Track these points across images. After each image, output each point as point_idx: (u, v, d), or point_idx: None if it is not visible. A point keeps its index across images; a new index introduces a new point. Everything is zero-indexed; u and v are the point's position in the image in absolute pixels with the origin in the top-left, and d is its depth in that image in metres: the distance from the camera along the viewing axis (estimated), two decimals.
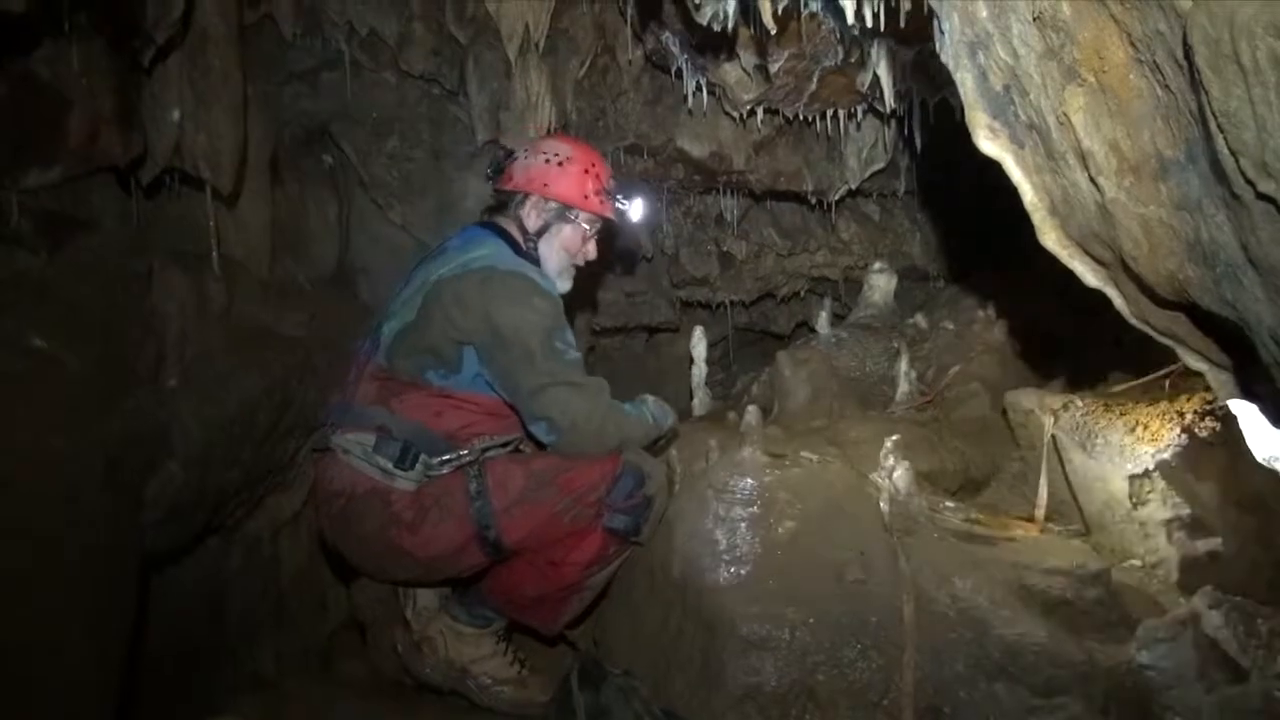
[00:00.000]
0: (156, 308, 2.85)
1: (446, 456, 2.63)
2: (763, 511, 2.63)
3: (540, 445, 2.72)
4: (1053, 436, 3.01)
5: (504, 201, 2.98)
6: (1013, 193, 1.94)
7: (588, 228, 2.92)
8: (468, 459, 2.64)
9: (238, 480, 3.14)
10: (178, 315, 2.93)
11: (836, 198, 4.98)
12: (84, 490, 2.35)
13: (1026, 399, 3.31)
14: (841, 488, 2.76)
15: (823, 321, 4.43)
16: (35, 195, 2.53)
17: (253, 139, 3.36)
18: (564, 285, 2.91)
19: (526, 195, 2.88)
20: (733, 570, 2.52)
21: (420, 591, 2.87)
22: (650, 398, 2.93)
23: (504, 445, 2.77)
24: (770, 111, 4.28)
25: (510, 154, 2.98)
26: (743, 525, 2.61)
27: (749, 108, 4.18)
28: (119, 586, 2.48)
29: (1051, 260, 1.96)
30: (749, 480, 2.70)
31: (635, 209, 3.16)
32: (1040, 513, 3.01)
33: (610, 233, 3.36)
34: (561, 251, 2.90)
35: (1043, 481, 3.04)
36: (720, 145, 4.59)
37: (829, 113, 4.30)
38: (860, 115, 4.41)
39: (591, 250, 2.97)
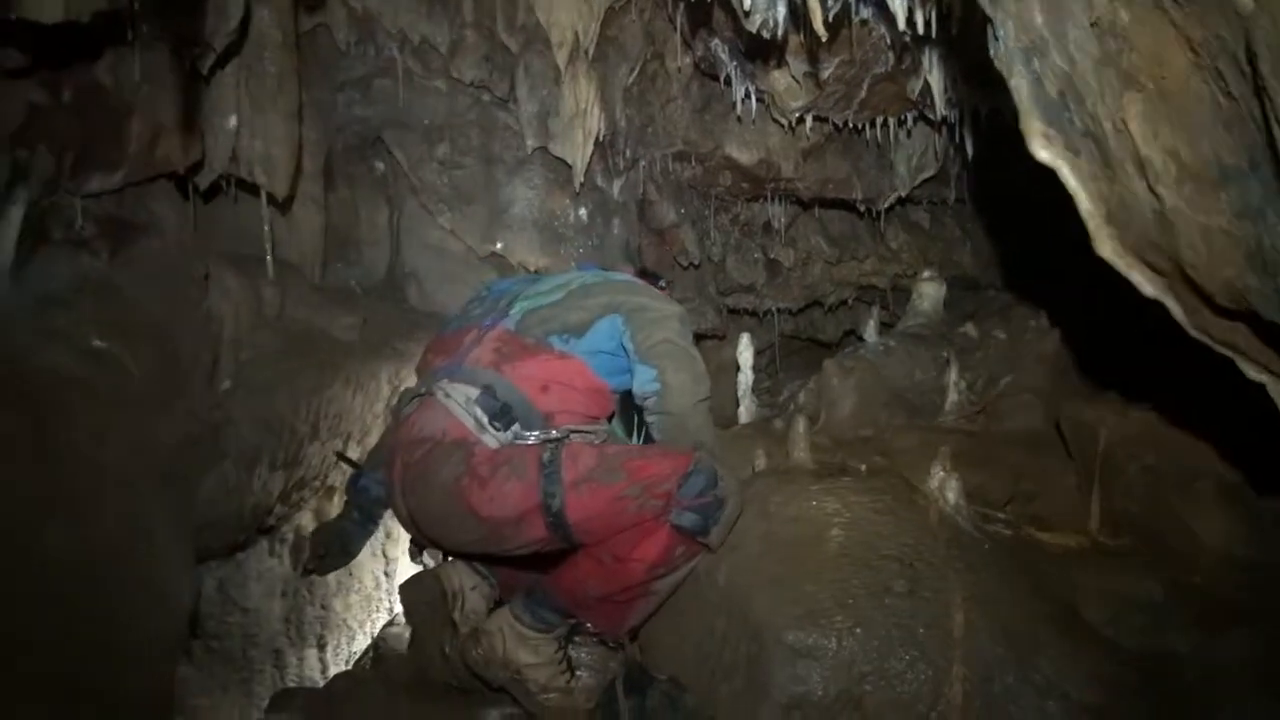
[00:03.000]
0: (212, 310, 2.90)
1: (537, 431, 2.67)
2: (810, 520, 2.61)
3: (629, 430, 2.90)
4: (1107, 448, 2.96)
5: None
6: (1067, 201, 1.92)
7: None
8: (554, 437, 2.67)
9: (289, 481, 3.18)
10: (232, 318, 2.98)
11: (886, 205, 4.95)
12: (141, 490, 2.39)
13: (1080, 410, 3.25)
14: (890, 498, 2.73)
15: (870, 330, 4.40)
16: (98, 199, 2.59)
17: (307, 145, 3.41)
18: None
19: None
20: (779, 579, 2.50)
21: (469, 594, 2.88)
22: None
23: (589, 433, 2.79)
24: (819, 119, 4.27)
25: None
26: (789, 533, 2.59)
27: (798, 115, 4.17)
28: (174, 585, 2.53)
29: (1107, 269, 1.93)
30: (796, 489, 2.68)
31: None
32: (1094, 525, 2.96)
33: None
34: None
35: (1095, 494, 2.98)
36: (768, 152, 4.58)
37: (879, 120, 4.28)
38: (910, 123, 4.38)
39: None
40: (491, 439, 2.63)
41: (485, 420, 2.64)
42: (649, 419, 2.82)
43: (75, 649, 2.11)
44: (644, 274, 3.24)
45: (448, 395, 2.70)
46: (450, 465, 2.62)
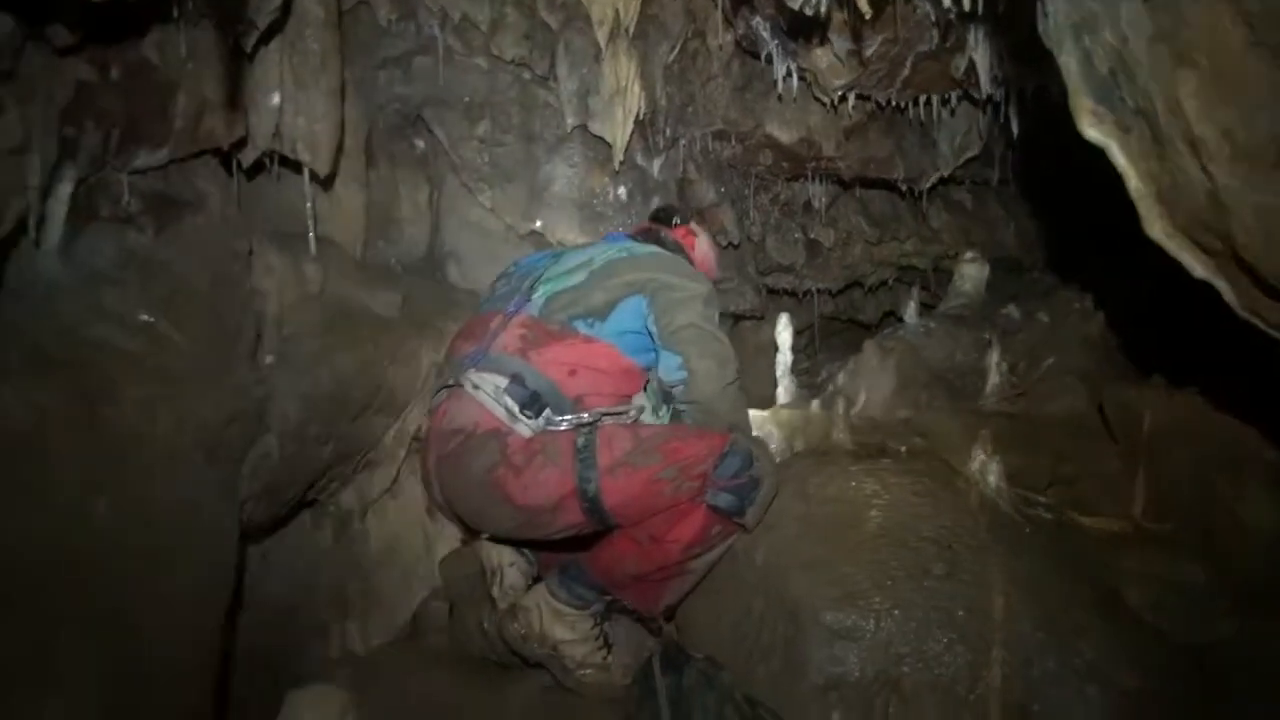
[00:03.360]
0: (256, 286, 2.93)
1: (569, 416, 2.68)
2: (848, 502, 2.60)
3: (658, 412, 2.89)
4: (1152, 432, 2.92)
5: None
6: (1115, 181, 1.89)
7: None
8: (586, 421, 2.68)
9: (330, 456, 3.22)
10: (276, 294, 3.01)
11: (928, 185, 4.89)
12: (188, 464, 2.43)
13: (1125, 392, 3.21)
14: (930, 480, 2.72)
15: (911, 311, 4.36)
16: (144, 176, 2.62)
17: (349, 123, 3.42)
18: None
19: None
20: (817, 558, 2.50)
21: (507, 570, 2.91)
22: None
23: (621, 413, 2.80)
24: (862, 97, 4.22)
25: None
26: (827, 514, 2.58)
27: (840, 94, 4.13)
28: (220, 558, 2.57)
29: (1155, 251, 1.90)
30: (834, 470, 2.68)
31: None
32: (1138, 510, 2.92)
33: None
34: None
35: (1140, 478, 2.95)
36: (809, 131, 4.54)
37: (922, 99, 4.23)
38: (954, 101, 4.32)
39: None
40: (524, 428, 2.64)
41: (516, 409, 2.64)
42: (678, 407, 2.83)
43: (125, 622, 2.16)
44: (663, 216, 3.30)
45: (476, 386, 2.70)
46: (485, 456, 2.63)
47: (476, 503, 2.75)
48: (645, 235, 3.23)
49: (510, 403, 2.65)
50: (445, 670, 2.89)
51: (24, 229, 2.22)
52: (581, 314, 2.79)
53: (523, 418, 2.64)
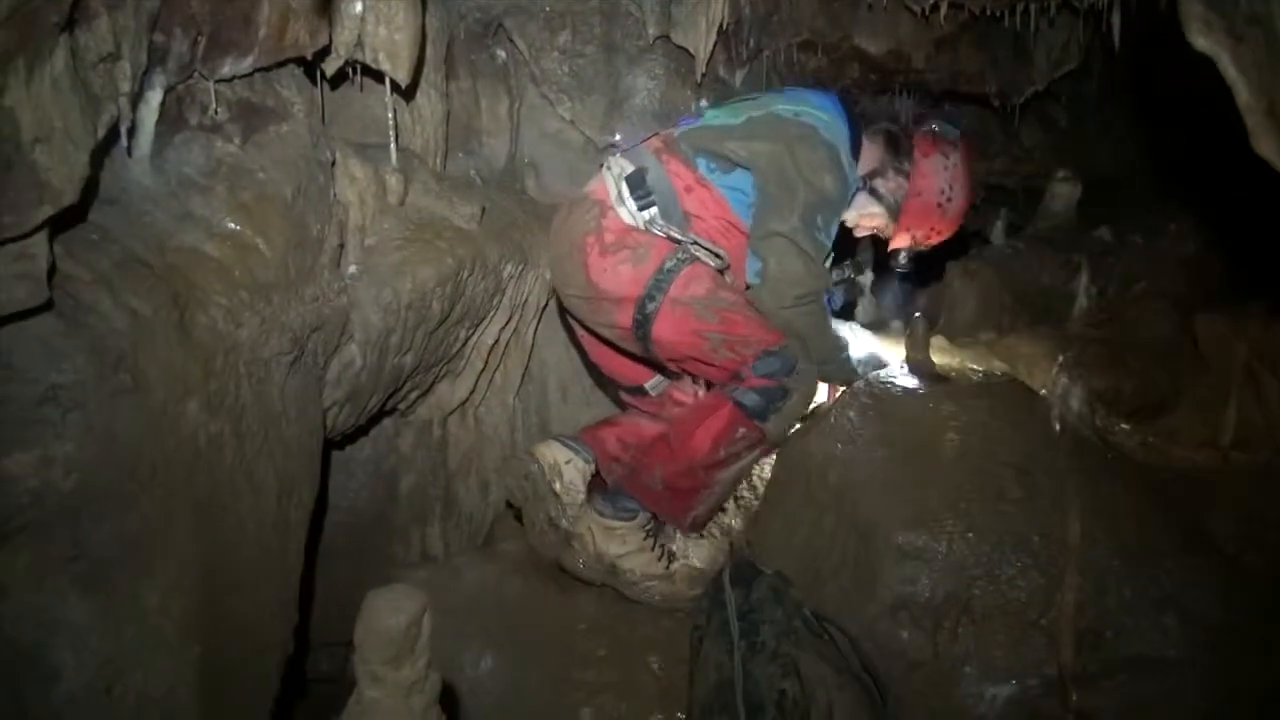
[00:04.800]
0: (339, 196, 2.96)
1: (676, 227, 2.87)
2: (925, 422, 2.58)
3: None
4: (1246, 360, 2.82)
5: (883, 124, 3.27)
6: (1222, 96, 1.79)
7: (876, 225, 3.21)
8: (685, 241, 2.86)
9: (411, 365, 3.27)
10: (358, 204, 3.03)
11: (1021, 100, 4.71)
12: (274, 369, 2.49)
13: (1219, 319, 3.10)
14: (1009, 402, 2.68)
15: (998, 231, 4.26)
16: (230, 84, 2.64)
17: (430, 32, 3.40)
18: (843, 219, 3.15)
19: (893, 159, 3.12)
20: (891, 479, 2.49)
21: (564, 468, 3.05)
22: (864, 355, 3.10)
23: (715, 255, 2.92)
24: (954, 6, 4.05)
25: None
26: (903, 435, 2.57)
27: (932, 2, 3.97)
28: (305, 460, 2.65)
29: (1262, 168, 1.81)
30: (912, 390, 2.65)
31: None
32: (1226, 441, 2.85)
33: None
34: (856, 212, 3.19)
35: (1231, 408, 2.86)
36: (899, 43, 4.38)
37: (1019, 7, 4.04)
38: (1053, 11, 4.12)
39: (861, 235, 3.33)
40: (625, 212, 2.88)
41: (626, 192, 2.88)
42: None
43: (218, 516, 2.25)
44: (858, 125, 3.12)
45: (608, 168, 2.99)
46: (585, 220, 2.93)
47: (564, 260, 3.02)
48: (852, 116, 3.09)
49: (625, 187, 2.88)
50: (520, 576, 2.96)
51: (116, 136, 2.26)
52: (709, 155, 2.95)
53: (628, 201, 2.86)
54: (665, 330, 2.80)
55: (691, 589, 2.75)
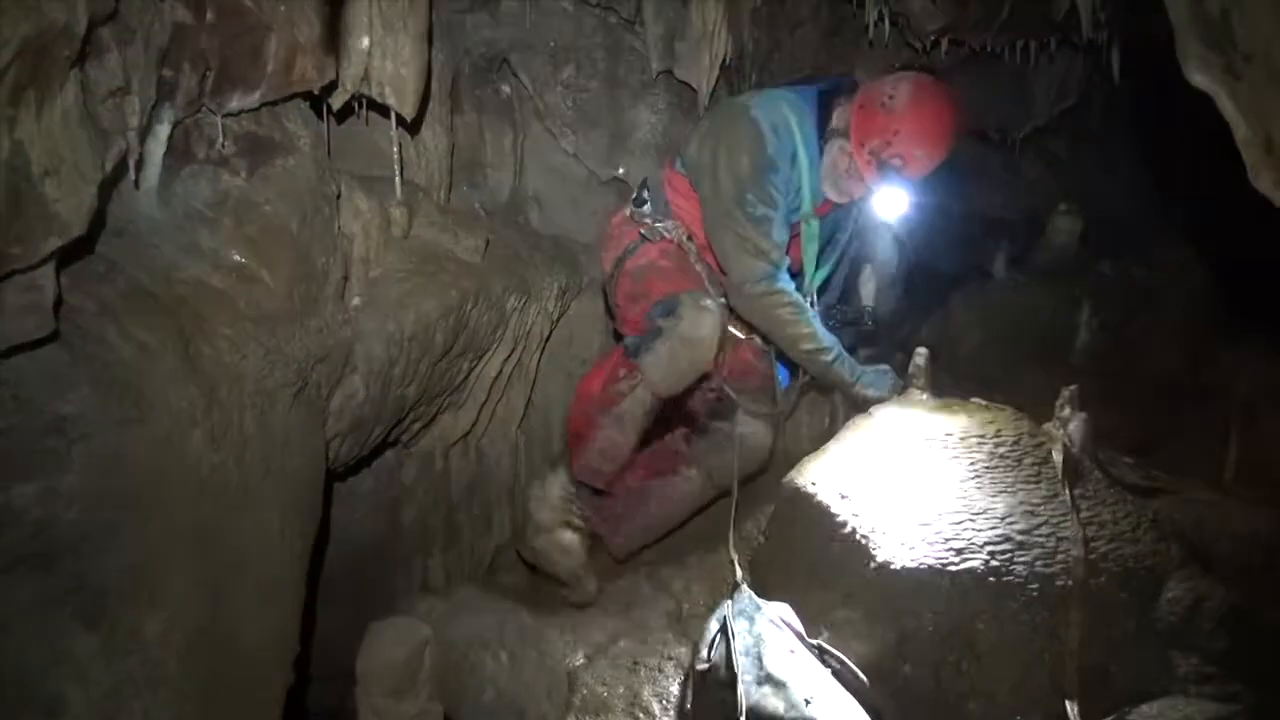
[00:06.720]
0: (344, 229, 2.98)
1: (657, 213, 3.28)
2: (928, 454, 2.57)
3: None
4: (1247, 395, 2.83)
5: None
6: (1220, 132, 1.81)
7: (849, 168, 3.13)
8: (656, 225, 3.22)
9: (414, 396, 3.28)
10: (362, 237, 3.06)
11: (1022, 135, 4.75)
12: (278, 400, 2.50)
13: (1221, 354, 3.11)
14: (1011, 435, 2.67)
15: (999, 264, 4.27)
16: (237, 118, 2.67)
17: (435, 67, 3.44)
18: (830, 192, 3.20)
19: (847, 99, 3.16)
20: (894, 510, 2.48)
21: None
22: (881, 368, 3.17)
23: (682, 228, 3.25)
24: (955, 42, 4.10)
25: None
26: (906, 466, 2.56)
27: (933, 37, 4.02)
28: (308, 490, 2.65)
29: (1261, 204, 1.82)
30: (914, 421, 2.65)
31: (887, 204, 3.21)
32: (1228, 475, 2.84)
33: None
34: (830, 165, 3.16)
35: (1232, 443, 2.86)
36: None
37: (1019, 43, 4.09)
38: (1053, 46, 4.17)
39: (855, 191, 3.19)
40: (626, 210, 3.36)
41: (633, 197, 3.36)
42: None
43: (219, 545, 2.25)
44: (834, 93, 3.18)
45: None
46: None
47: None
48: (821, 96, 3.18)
49: (635, 196, 3.35)
50: (521, 608, 2.95)
51: (124, 169, 2.28)
52: (680, 151, 3.30)
53: (631, 204, 3.34)
54: (620, 293, 3.21)
55: (591, 581, 3.06)
